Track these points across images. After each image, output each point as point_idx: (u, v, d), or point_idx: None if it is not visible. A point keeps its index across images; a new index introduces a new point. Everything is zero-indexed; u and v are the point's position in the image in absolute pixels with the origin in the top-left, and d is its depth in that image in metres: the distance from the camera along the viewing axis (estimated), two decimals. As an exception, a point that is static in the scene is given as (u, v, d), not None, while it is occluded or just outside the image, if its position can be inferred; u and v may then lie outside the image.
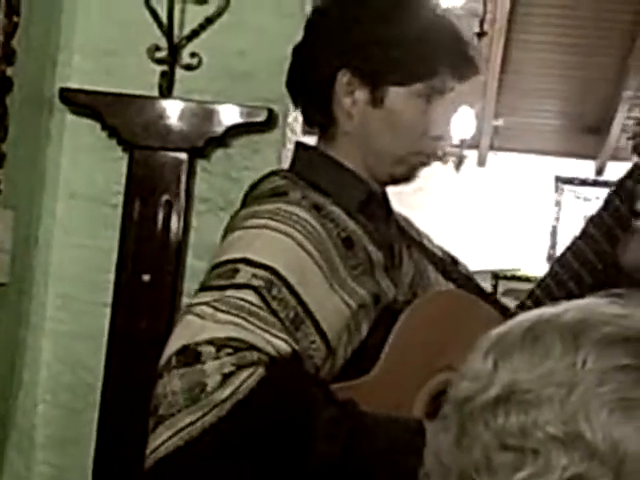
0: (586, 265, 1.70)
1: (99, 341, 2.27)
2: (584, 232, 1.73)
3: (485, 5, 5.57)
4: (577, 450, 0.91)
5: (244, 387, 1.43)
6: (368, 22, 1.70)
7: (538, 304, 1.68)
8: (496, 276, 9.19)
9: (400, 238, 1.79)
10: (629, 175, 1.72)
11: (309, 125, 1.81)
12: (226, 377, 1.42)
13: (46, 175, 2.31)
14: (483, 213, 9.40)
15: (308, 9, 2.36)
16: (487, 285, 9.25)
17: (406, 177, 1.75)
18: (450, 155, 8.05)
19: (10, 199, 2.14)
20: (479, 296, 1.75)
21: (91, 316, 2.31)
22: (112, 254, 2.28)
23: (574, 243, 1.72)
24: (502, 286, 9.09)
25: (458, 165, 8.36)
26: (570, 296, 1.66)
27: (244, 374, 1.43)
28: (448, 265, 1.84)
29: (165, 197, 2.27)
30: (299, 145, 1.81)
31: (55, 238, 2.33)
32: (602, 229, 1.71)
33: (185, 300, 2.21)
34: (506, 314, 1.65)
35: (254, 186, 1.76)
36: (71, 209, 2.33)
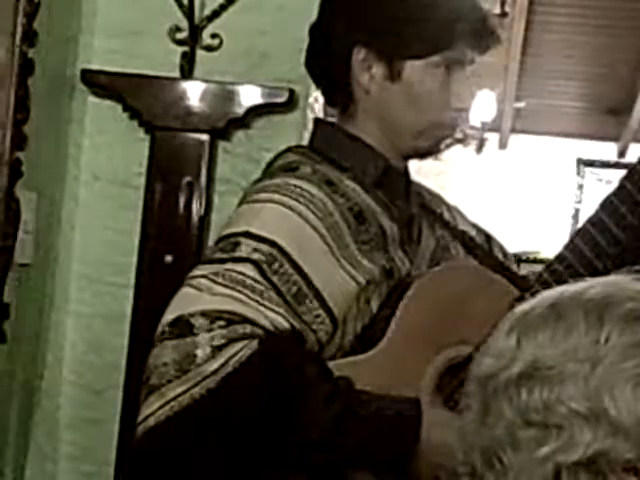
0: (605, 235, 1.68)
1: (122, 322, 2.28)
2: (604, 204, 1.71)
3: (506, -15, 5.55)
4: (601, 426, 0.92)
5: (234, 360, 1.43)
6: None
7: (557, 280, 1.67)
8: (518, 259, 9.14)
9: (422, 213, 1.78)
10: None
11: (330, 104, 1.80)
12: (216, 349, 1.43)
13: (68, 157, 2.32)
14: (505, 196, 9.36)
15: (330, -11, 2.35)
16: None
17: (430, 151, 1.74)
18: (471, 138, 8.01)
19: (33, 181, 2.15)
20: (498, 272, 1.73)
21: (114, 297, 2.32)
22: (134, 236, 2.29)
23: (596, 213, 1.70)
24: (524, 269, 9.05)
25: (479, 148, 8.33)
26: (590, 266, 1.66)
27: (235, 347, 1.43)
28: (469, 240, 1.83)
29: (187, 179, 2.27)
30: (318, 121, 1.81)
31: (78, 220, 2.34)
32: (625, 199, 1.69)
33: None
34: (525, 292, 1.63)
35: (270, 163, 1.76)
36: (93, 191, 2.34)
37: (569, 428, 0.92)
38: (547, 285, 1.63)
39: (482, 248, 1.84)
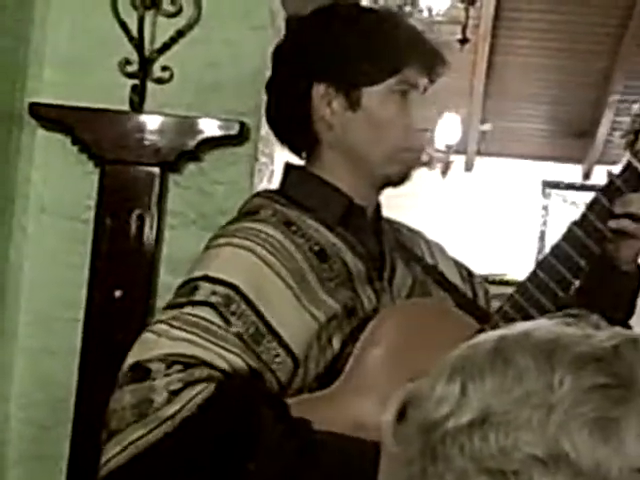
0: (569, 265, 1.69)
1: (71, 357, 2.26)
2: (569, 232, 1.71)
3: (467, 11, 5.56)
4: (560, 470, 0.91)
5: (191, 404, 1.45)
6: (330, 31, 1.73)
7: (519, 309, 1.67)
8: (484, 281, 9.20)
9: (397, 250, 1.79)
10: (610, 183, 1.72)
11: (297, 153, 1.82)
12: (173, 394, 1.45)
13: (17, 191, 2.29)
14: (471, 218, 9.41)
15: (279, 22, 2.35)
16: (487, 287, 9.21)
17: (401, 176, 1.75)
18: (437, 160, 8.05)
19: (-20, 215, 2.13)
20: (467, 308, 1.73)
21: (63, 332, 2.29)
22: (84, 270, 2.27)
23: (558, 245, 1.71)
24: (490, 291, 9.09)
25: (445, 170, 8.37)
26: (554, 299, 1.67)
27: (192, 391, 1.46)
28: (439, 276, 1.83)
29: (137, 212, 2.26)
30: (287, 166, 1.82)
31: (26, 254, 2.31)
32: (587, 230, 1.69)
33: (158, 315, 2.19)
34: (485, 324, 1.64)
35: (239, 209, 1.78)
36: (42, 224, 2.31)
37: (527, 473, 0.91)
38: (509, 318, 1.64)
39: (452, 284, 1.84)
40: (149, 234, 2.26)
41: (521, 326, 1.01)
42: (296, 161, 1.83)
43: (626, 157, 1.71)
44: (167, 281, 2.23)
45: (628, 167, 1.70)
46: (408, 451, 1.00)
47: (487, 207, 9.46)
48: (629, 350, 0.96)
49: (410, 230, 1.90)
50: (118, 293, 2.24)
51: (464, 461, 0.94)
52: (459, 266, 1.91)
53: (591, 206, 1.70)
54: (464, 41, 5.57)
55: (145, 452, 1.44)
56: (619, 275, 1.75)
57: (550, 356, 0.95)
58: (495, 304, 1.80)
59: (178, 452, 1.46)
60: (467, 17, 5.63)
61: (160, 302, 2.22)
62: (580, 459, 0.91)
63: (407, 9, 5.26)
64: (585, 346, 0.95)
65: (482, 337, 1.02)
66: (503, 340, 0.99)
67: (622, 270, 1.75)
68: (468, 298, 1.83)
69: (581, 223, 1.69)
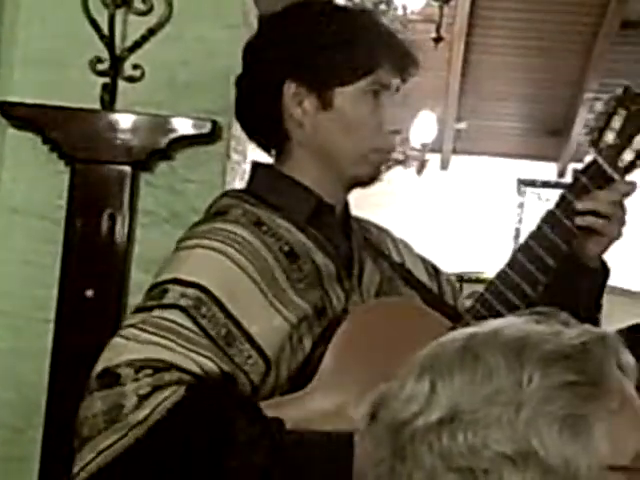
0: (537, 263, 1.69)
1: (42, 358, 2.24)
2: (536, 232, 1.72)
3: (442, 10, 5.57)
4: (529, 468, 0.91)
5: (161, 408, 1.44)
6: (303, 30, 1.72)
7: (489, 308, 1.68)
8: (460, 279, 9.21)
9: (365, 248, 1.79)
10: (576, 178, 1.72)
11: (266, 150, 1.81)
12: (142, 398, 1.44)
13: (-14, 190, 2.27)
14: (446, 216, 9.42)
15: (252, 20, 2.34)
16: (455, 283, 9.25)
17: (371, 177, 1.75)
18: (412, 159, 8.05)
19: (-51, 215, 2.11)
20: (435, 306, 1.73)
21: (34, 333, 2.27)
22: (55, 270, 2.25)
23: (526, 241, 1.71)
24: (466, 289, 9.12)
25: (420, 169, 8.37)
26: (524, 297, 1.67)
27: (162, 395, 1.45)
28: (407, 273, 1.83)
29: (108, 211, 2.24)
30: (254, 164, 1.81)
31: (-3, 254, 2.29)
32: (555, 227, 1.70)
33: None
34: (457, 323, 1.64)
35: (207, 209, 1.77)
36: (12, 224, 2.29)
37: (497, 472, 0.91)
38: (480, 316, 1.64)
39: (420, 282, 1.84)
40: (121, 233, 2.25)
41: (491, 324, 1.01)
42: (265, 159, 1.82)
43: (591, 154, 1.71)
44: (139, 280, 2.21)
45: (593, 164, 1.71)
46: (378, 451, 1.00)
47: (463, 205, 9.48)
48: (598, 347, 0.96)
49: (377, 228, 1.90)
50: (90, 293, 2.22)
51: (433, 459, 0.94)
52: (425, 263, 1.91)
53: (558, 204, 1.71)
54: (438, 39, 5.59)
55: (117, 458, 1.43)
56: (585, 272, 1.75)
57: (519, 354, 0.95)
58: (468, 302, 1.80)
59: (150, 457, 1.45)
60: (441, 15, 5.64)
61: (132, 301, 2.21)
62: (549, 457, 0.91)
63: (382, 7, 5.26)
64: (554, 344, 0.95)
65: (451, 335, 1.02)
66: (472, 338, 0.99)
67: (588, 267, 1.75)
68: (436, 296, 1.83)
69: (548, 221, 1.70)
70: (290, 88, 1.70)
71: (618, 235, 1.73)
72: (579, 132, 8.91)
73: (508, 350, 0.95)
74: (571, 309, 1.04)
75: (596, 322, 1.76)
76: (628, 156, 1.72)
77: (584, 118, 8.67)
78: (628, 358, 0.99)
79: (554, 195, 1.79)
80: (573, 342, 0.96)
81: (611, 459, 0.93)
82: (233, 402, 1.51)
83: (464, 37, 8.06)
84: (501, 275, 1.69)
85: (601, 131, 1.71)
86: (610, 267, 1.79)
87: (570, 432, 0.92)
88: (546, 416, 0.92)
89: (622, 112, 1.71)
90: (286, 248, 1.64)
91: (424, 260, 1.92)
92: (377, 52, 1.70)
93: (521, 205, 9.56)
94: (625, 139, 1.71)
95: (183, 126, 2.25)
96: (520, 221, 9.53)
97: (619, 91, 1.72)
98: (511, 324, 1.00)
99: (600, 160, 1.70)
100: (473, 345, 0.97)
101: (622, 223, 1.72)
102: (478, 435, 0.93)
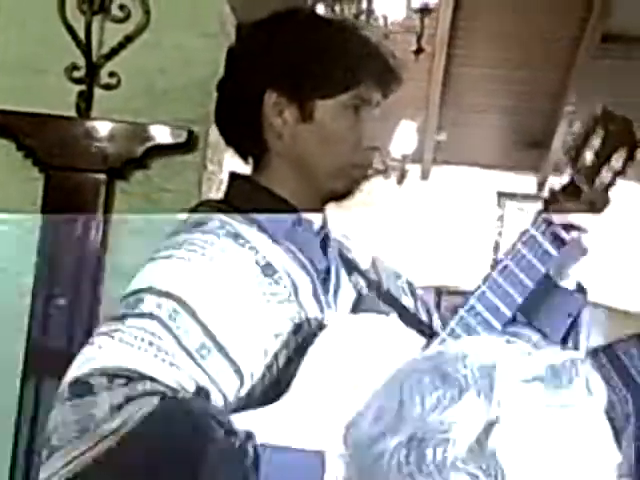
0: (515, 283, 1.69)
1: (14, 366, 2.22)
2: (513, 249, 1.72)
3: (422, 21, 5.59)
4: None
5: (134, 418, 1.41)
6: (287, 40, 1.71)
7: (466, 327, 1.67)
8: (439, 292, 9.23)
9: (340, 264, 1.78)
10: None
11: (243, 158, 1.79)
12: (115, 408, 1.42)
13: (-41, 196, 2.26)
14: (426, 227, 9.44)
15: (229, 29, 2.34)
16: (430, 301, 9.30)
17: (346, 192, 1.74)
18: (392, 169, 8.07)
19: None
20: (409, 322, 1.73)
21: (6, 341, 2.26)
22: (28, 277, 2.24)
23: (503, 260, 1.71)
24: (445, 301, 9.14)
25: (401, 179, 8.38)
26: (498, 315, 1.67)
27: (134, 406, 1.42)
28: (382, 289, 1.83)
29: (82, 219, 2.23)
30: (232, 175, 1.80)
31: (-31, 261, 2.28)
32: (531, 244, 1.70)
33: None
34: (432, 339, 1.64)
35: (184, 219, 1.75)
36: (-16, 231, 2.28)
37: None
38: (456, 335, 1.64)
39: (395, 298, 1.83)
40: (95, 241, 2.24)
41: (461, 344, 1.01)
42: (242, 168, 1.81)
43: (568, 173, 1.72)
44: (112, 289, 2.20)
45: (571, 183, 1.71)
46: (347, 470, 0.99)
47: (443, 216, 9.50)
48: (566, 369, 0.96)
49: (355, 243, 1.89)
50: (62, 301, 2.21)
51: (402, 479, 0.93)
52: (402, 279, 1.91)
53: (534, 222, 1.70)
54: (419, 51, 5.60)
55: (88, 468, 1.41)
56: (559, 292, 1.76)
57: (490, 374, 0.95)
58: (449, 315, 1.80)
59: (121, 467, 1.43)
60: (422, 27, 5.65)
61: (105, 310, 2.20)
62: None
63: (362, 17, 5.27)
64: (524, 365, 0.95)
65: (422, 354, 1.02)
66: (442, 357, 0.98)
67: (562, 288, 1.76)
68: (412, 313, 1.83)
69: (525, 240, 1.70)
70: (271, 98, 1.68)
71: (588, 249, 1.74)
72: (559, 145, 8.94)
73: (478, 371, 0.95)
74: (543, 330, 1.04)
75: (567, 344, 1.76)
76: (606, 176, 1.72)
77: (564, 130, 8.70)
78: (596, 380, 0.99)
79: (534, 208, 1.79)
80: (543, 364, 0.96)
81: None
82: (206, 414, 1.49)
83: (445, 48, 8.09)
84: (479, 295, 1.69)
85: (579, 150, 1.72)
86: (586, 289, 1.79)
87: None
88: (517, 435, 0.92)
89: (600, 132, 1.71)
90: (262, 262, 1.63)
91: (400, 277, 1.91)
92: (360, 67, 1.69)
93: (501, 217, 9.58)
94: (603, 159, 1.71)
95: (159, 134, 2.25)
96: (500, 234, 9.55)
97: (597, 111, 1.73)
98: (481, 344, 1.00)
99: (577, 180, 1.71)
100: (443, 364, 0.97)
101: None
102: (447, 454, 0.92)
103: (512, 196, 9.55)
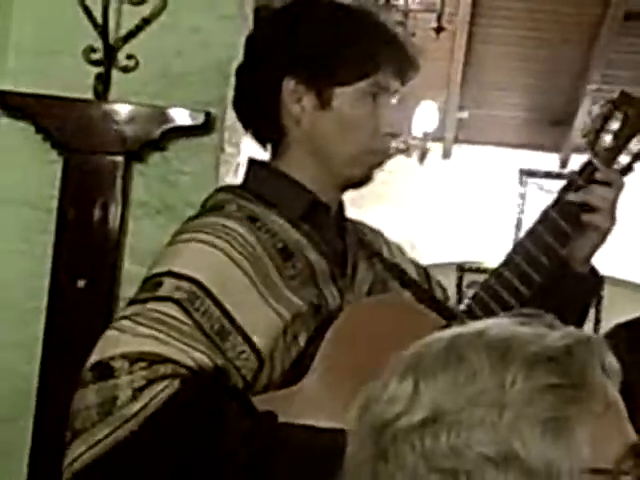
0: (532, 264, 1.70)
1: (34, 348, 2.24)
2: (532, 230, 1.72)
3: (443, 0, 5.54)
4: (511, 469, 0.91)
5: (155, 401, 1.44)
6: (306, 28, 1.71)
7: (484, 306, 1.68)
8: (461, 268, 9.22)
9: (358, 247, 1.79)
10: (579, 173, 1.72)
11: (262, 144, 1.81)
12: (137, 391, 1.44)
13: (-22, 179, 2.27)
14: (448, 206, 9.40)
15: (247, 11, 2.34)
16: (452, 278, 9.33)
17: (364, 178, 1.75)
18: (414, 148, 8.03)
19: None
20: (430, 305, 1.73)
21: (25, 323, 2.27)
22: (47, 260, 2.25)
23: (521, 241, 1.72)
24: (467, 279, 9.14)
25: (422, 158, 8.34)
26: (517, 295, 1.67)
27: (156, 388, 1.44)
28: (402, 273, 1.83)
29: (101, 201, 2.24)
30: (250, 161, 1.81)
31: (-12, 243, 2.29)
32: (549, 226, 1.70)
33: (121, 305, 2.18)
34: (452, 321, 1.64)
35: (202, 204, 1.77)
36: (4, 214, 2.29)
37: (479, 473, 0.91)
38: (475, 316, 1.64)
39: (415, 281, 1.84)
40: (113, 224, 2.25)
41: (476, 325, 1.01)
42: (259, 151, 1.81)
43: (587, 156, 1.71)
44: (131, 271, 2.21)
45: (589, 166, 1.71)
46: (361, 453, 0.99)
47: (465, 194, 9.46)
48: (582, 350, 0.96)
49: (371, 230, 1.90)
50: (81, 283, 2.22)
51: (415, 460, 0.93)
52: (418, 267, 1.91)
53: (553, 204, 1.70)
54: (439, 29, 5.56)
55: (111, 451, 1.43)
56: (572, 276, 1.75)
57: (503, 355, 0.94)
58: (470, 292, 1.81)
59: (144, 450, 1.45)
60: (443, 5, 5.61)
61: (124, 292, 2.21)
62: (530, 459, 0.91)
63: (383, -1, 5.25)
64: (538, 346, 0.95)
65: (436, 335, 1.02)
66: (457, 338, 0.98)
67: (575, 271, 1.75)
68: (431, 294, 1.83)
69: (544, 221, 1.70)
70: (289, 84, 1.69)
71: (607, 230, 1.73)
72: (582, 122, 8.88)
73: (492, 351, 0.95)
74: (557, 313, 1.04)
75: (582, 327, 1.76)
76: (624, 159, 1.72)
77: (587, 109, 8.63)
78: (612, 361, 0.98)
79: (556, 186, 1.79)
80: (557, 344, 0.96)
81: (593, 462, 0.93)
82: (227, 396, 1.51)
83: (467, 27, 8.03)
84: (496, 274, 1.69)
85: (598, 133, 1.71)
86: (601, 275, 1.79)
87: (552, 435, 0.92)
88: (528, 418, 0.92)
89: (619, 115, 1.71)
90: (280, 245, 1.64)
91: (416, 264, 1.92)
92: (379, 54, 1.70)
93: (523, 195, 9.53)
94: (622, 142, 1.71)
95: (177, 117, 2.25)
96: (522, 211, 9.50)
97: (616, 94, 1.72)
98: (496, 325, 1.00)
99: (596, 162, 1.70)
100: (457, 345, 0.97)
101: (612, 218, 1.73)
102: (461, 436, 0.92)
103: (534, 174, 9.50)
